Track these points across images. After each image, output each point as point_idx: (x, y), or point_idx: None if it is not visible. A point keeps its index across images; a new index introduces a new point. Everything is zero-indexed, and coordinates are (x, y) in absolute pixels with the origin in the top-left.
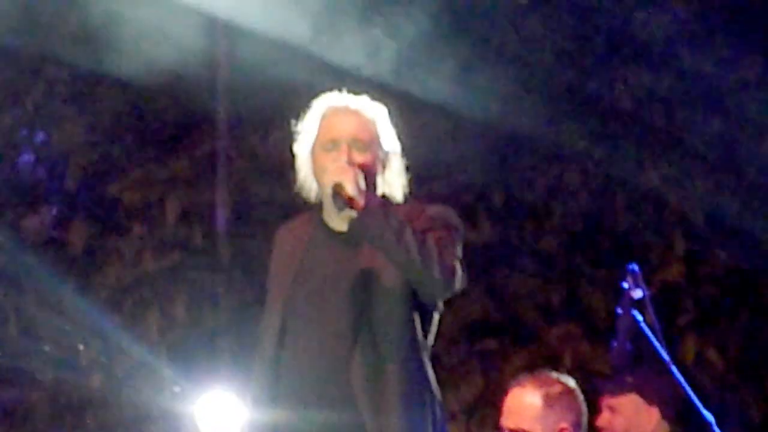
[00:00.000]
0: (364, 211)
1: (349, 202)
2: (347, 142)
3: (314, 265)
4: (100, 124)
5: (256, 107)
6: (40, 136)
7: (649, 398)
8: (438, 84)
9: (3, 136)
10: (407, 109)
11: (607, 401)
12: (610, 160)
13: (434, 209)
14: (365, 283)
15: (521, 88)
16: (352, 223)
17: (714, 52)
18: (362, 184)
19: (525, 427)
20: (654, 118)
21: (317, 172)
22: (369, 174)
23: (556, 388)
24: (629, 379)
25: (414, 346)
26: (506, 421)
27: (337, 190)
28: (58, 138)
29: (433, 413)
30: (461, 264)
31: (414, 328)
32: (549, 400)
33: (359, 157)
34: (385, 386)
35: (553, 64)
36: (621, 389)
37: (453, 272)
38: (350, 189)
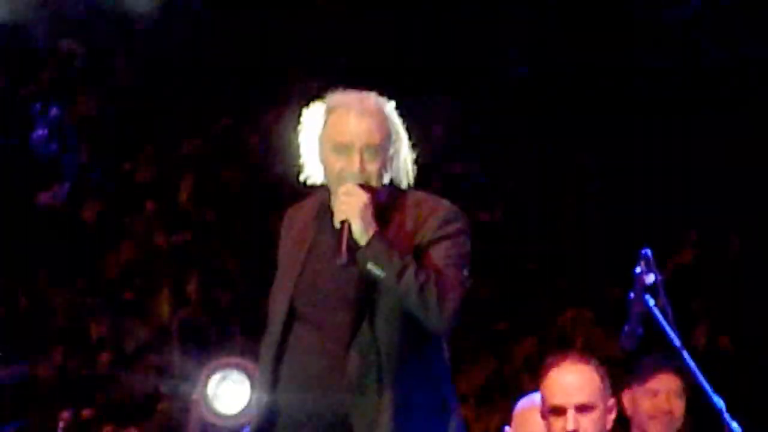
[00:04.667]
0: (367, 249)
1: (354, 242)
2: (359, 149)
3: (322, 255)
4: (114, 99)
5: (269, 85)
6: (53, 111)
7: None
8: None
9: (16, 110)
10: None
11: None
12: (626, 146)
13: (440, 213)
14: (372, 282)
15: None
16: (357, 256)
17: None
18: (369, 219)
19: (592, 402)
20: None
21: (326, 168)
22: (379, 179)
23: (600, 365)
24: (670, 361)
25: (419, 351)
26: (568, 399)
27: (344, 227)
28: (71, 113)
29: (441, 422)
30: (465, 279)
31: (420, 334)
32: (602, 376)
33: (371, 165)
34: (379, 399)
35: None
36: (664, 369)
37: (454, 315)
38: (357, 230)
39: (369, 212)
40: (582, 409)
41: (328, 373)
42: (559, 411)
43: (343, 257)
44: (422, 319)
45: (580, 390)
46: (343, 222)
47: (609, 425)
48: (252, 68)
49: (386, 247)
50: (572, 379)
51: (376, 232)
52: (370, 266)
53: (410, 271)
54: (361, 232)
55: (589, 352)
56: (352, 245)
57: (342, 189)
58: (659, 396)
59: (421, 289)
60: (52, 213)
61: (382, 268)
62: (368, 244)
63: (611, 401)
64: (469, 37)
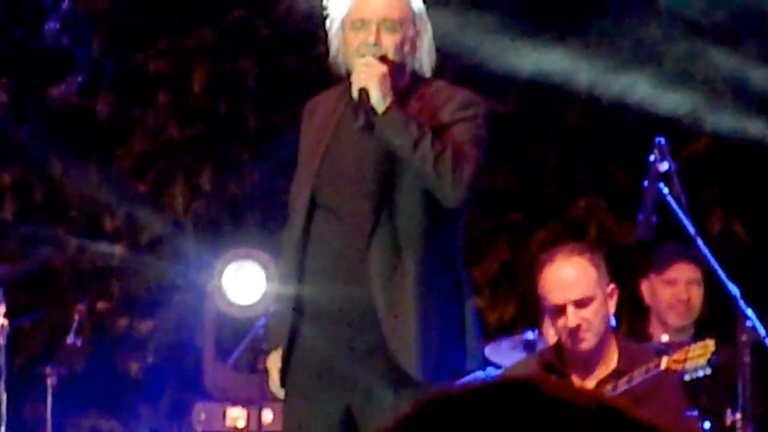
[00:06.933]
0: (385, 116)
1: (372, 110)
2: (376, 23)
3: (342, 146)
4: None
5: None
6: (64, 4)
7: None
8: None
9: (28, 4)
10: None
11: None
12: (641, 35)
13: (459, 98)
14: (390, 171)
15: None
16: (376, 124)
17: None
18: (388, 88)
19: (589, 294)
20: None
21: (346, 50)
22: (397, 54)
23: (594, 252)
24: (687, 250)
25: (436, 237)
26: (565, 295)
27: (362, 96)
28: (82, 5)
29: (458, 306)
30: (480, 157)
31: (437, 220)
32: (597, 264)
33: (388, 39)
34: (401, 283)
35: None
36: (682, 258)
37: (467, 186)
38: (375, 97)
39: (387, 82)
40: (581, 303)
41: (351, 265)
42: (559, 309)
43: (361, 120)
44: (435, 189)
45: (576, 284)
46: (361, 90)
47: (612, 309)
48: None
49: (404, 115)
50: (566, 274)
51: (393, 101)
52: (387, 133)
53: (427, 139)
54: (379, 100)
55: (587, 245)
56: (370, 113)
57: (361, 60)
58: (677, 285)
59: (437, 157)
60: (64, 106)
61: (399, 135)
62: (386, 111)
63: (610, 287)
64: None
